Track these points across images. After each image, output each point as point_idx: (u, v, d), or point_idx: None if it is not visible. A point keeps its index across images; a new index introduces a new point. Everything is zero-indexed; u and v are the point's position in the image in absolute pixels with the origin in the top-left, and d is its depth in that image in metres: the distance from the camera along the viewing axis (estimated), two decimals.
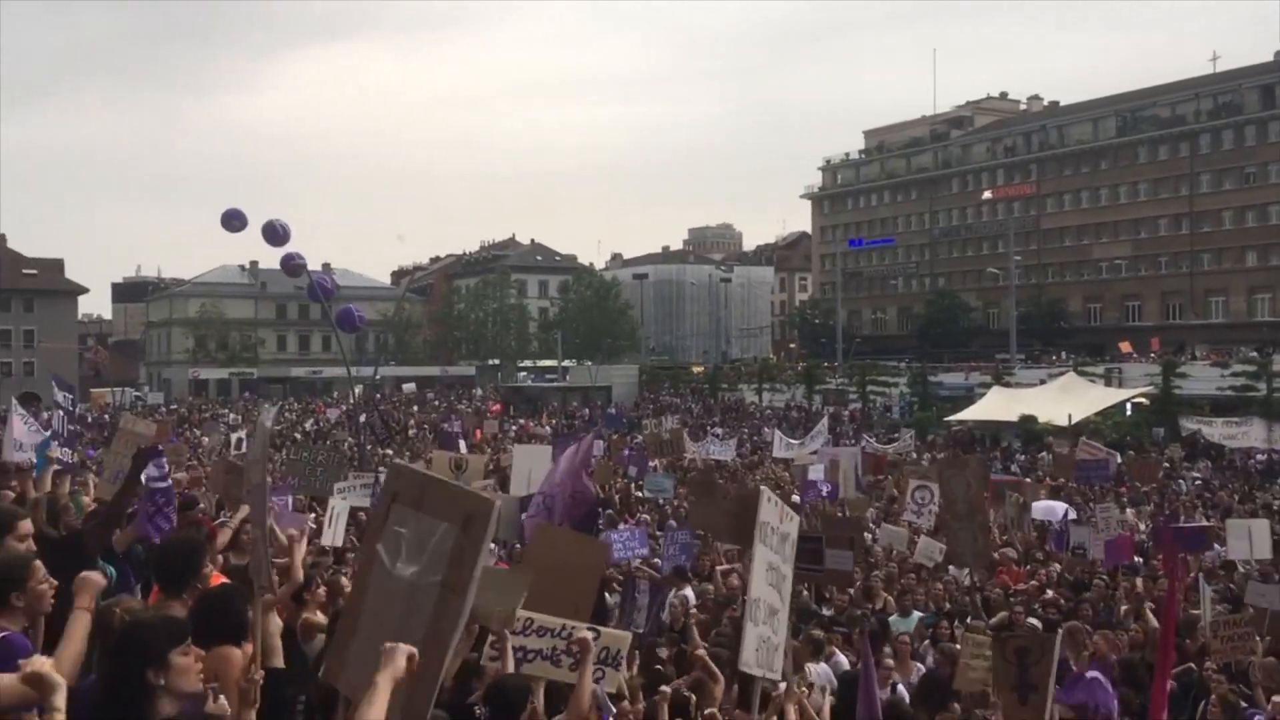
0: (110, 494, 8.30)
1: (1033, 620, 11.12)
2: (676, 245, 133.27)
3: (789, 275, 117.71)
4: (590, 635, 5.74)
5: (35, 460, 11.82)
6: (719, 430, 43.89)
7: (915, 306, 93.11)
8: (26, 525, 5.07)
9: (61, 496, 7.16)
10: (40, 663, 3.36)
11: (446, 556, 3.54)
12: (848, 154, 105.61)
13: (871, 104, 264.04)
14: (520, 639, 6.03)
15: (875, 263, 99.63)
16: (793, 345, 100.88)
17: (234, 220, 25.65)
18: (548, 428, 45.00)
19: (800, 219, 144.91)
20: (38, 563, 4.62)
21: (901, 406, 57.05)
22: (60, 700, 3.23)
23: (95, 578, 4.42)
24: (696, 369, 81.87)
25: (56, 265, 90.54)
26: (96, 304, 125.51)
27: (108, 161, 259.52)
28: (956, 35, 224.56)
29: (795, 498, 20.79)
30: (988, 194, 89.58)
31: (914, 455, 35.50)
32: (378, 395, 57.76)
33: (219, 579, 6.36)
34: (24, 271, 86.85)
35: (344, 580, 8.59)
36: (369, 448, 31.55)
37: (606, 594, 10.33)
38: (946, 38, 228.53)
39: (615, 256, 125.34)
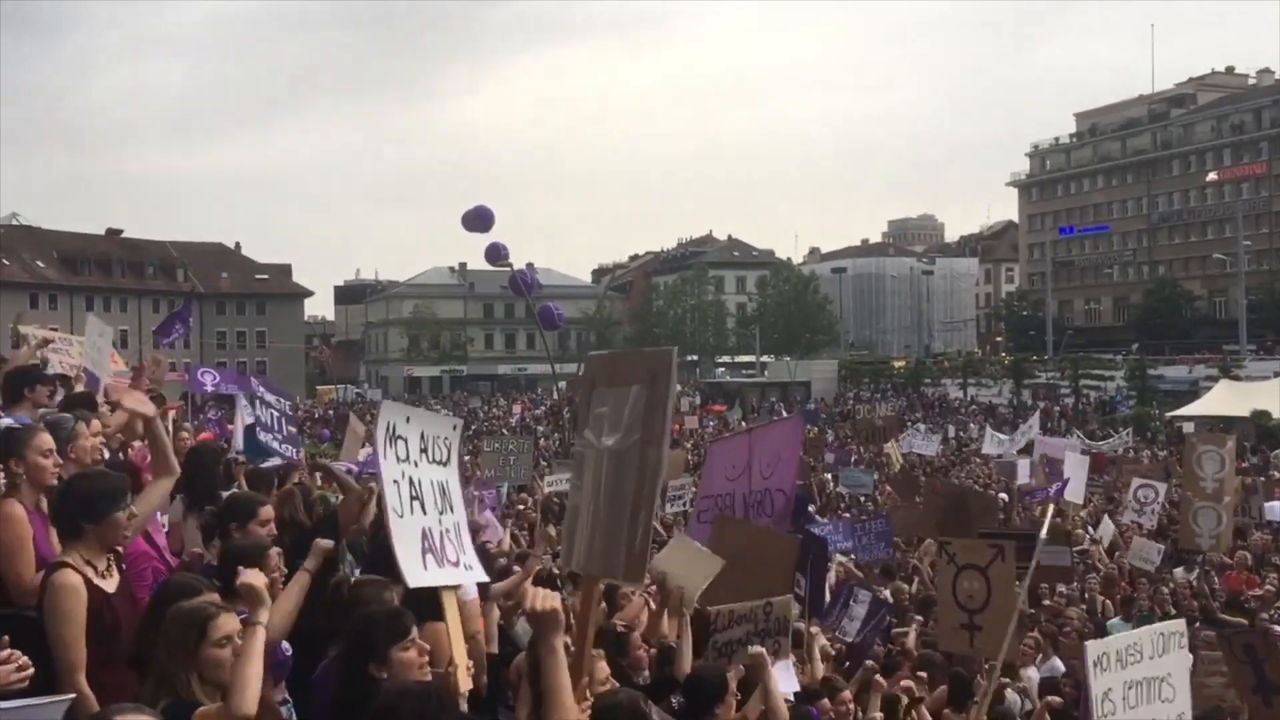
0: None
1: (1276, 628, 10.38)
2: (876, 238, 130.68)
3: (994, 266, 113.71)
4: (763, 650, 5.64)
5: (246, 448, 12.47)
6: (921, 426, 42.78)
7: (1132, 296, 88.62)
8: (268, 511, 5.32)
9: (311, 488, 7.62)
10: (254, 575, 3.74)
11: (641, 415, 3.81)
12: (1057, 138, 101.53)
13: (1082, 85, 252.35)
14: (726, 634, 6.17)
15: (1088, 251, 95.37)
16: (999, 338, 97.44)
17: (479, 220, 26.15)
18: (744, 424, 44.89)
19: (1006, 208, 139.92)
20: (274, 550, 4.78)
21: (1119, 401, 54.30)
22: (264, 614, 3.62)
23: (324, 542, 4.87)
24: (898, 364, 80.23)
25: (285, 270, 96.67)
26: (321, 306, 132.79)
27: (330, 171, 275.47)
28: (1176, 8, 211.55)
29: (1002, 495, 20.16)
30: (1213, 175, 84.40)
31: (1133, 453, 33.78)
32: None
33: None
34: (256, 277, 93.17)
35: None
36: (573, 442, 32.36)
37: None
38: (1165, 12, 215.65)
39: (813, 251, 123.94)
